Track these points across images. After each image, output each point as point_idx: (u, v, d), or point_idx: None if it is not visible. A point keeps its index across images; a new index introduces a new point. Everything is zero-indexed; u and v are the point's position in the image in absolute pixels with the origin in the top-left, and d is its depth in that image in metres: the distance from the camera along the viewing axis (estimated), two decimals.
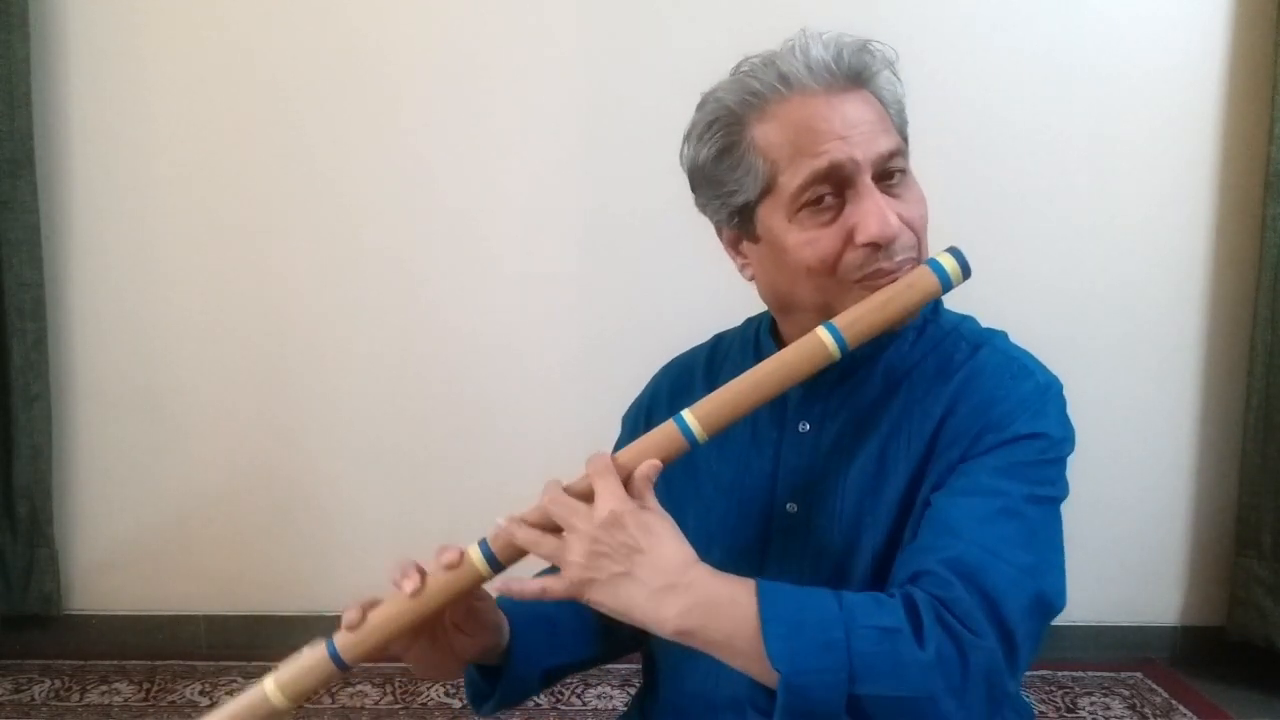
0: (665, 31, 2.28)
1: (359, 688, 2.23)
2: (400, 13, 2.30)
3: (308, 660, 0.83)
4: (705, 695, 0.93)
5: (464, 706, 2.16)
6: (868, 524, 0.87)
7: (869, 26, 0.90)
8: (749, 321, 1.05)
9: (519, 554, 0.81)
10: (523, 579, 0.81)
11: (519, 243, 2.36)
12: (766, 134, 0.84)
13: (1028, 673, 2.25)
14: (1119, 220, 2.31)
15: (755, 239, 0.90)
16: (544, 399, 2.38)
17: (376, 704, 2.17)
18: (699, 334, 1.10)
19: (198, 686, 2.26)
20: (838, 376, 0.91)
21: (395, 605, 0.82)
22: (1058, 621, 0.83)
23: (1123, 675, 2.32)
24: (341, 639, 0.82)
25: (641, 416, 1.04)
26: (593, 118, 2.32)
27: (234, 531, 2.43)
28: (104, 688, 2.25)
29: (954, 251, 0.82)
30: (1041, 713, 2.14)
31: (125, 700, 2.20)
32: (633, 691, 1.53)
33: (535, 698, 2.16)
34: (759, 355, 0.92)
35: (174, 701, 2.19)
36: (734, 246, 0.94)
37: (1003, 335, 0.93)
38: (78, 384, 2.42)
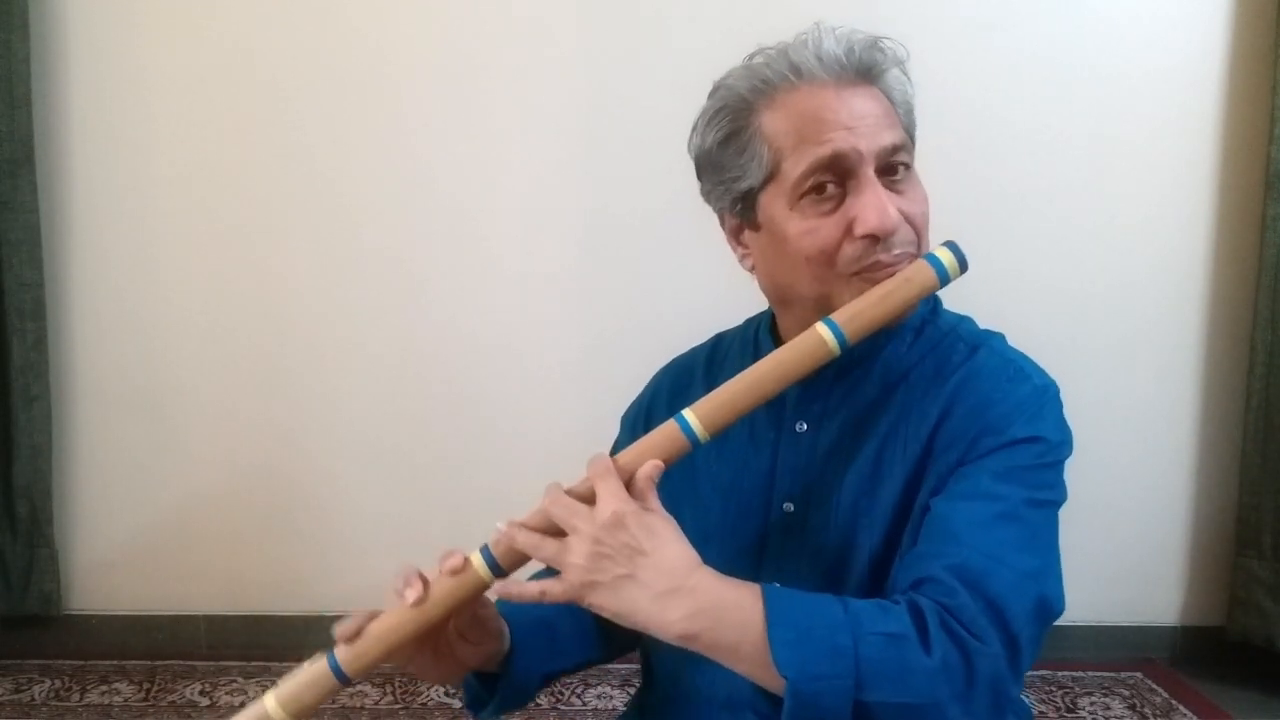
0: (665, 31, 2.28)
1: (359, 688, 2.23)
2: (400, 13, 2.30)
3: (309, 675, 0.81)
4: (704, 694, 0.93)
5: (464, 706, 2.15)
6: (864, 525, 0.87)
7: (869, 26, 0.90)
8: (749, 322, 1.05)
9: (521, 559, 0.80)
10: (521, 582, 0.80)
11: (519, 243, 2.36)
12: (774, 121, 0.85)
13: (1028, 673, 2.26)
14: (1119, 220, 2.31)
15: (756, 227, 0.90)
16: (544, 399, 2.38)
17: (376, 704, 2.17)
18: (699, 334, 1.10)
19: (198, 686, 2.26)
20: (835, 375, 0.91)
21: (397, 615, 0.81)
22: (1058, 622, 0.83)
23: (1123, 675, 2.32)
24: (343, 652, 0.81)
25: (641, 417, 1.04)
26: (593, 118, 2.32)
27: (234, 531, 2.43)
28: (104, 688, 2.25)
29: (951, 245, 0.82)
30: (1041, 713, 2.14)
31: (125, 700, 2.20)
32: (633, 691, 1.53)
33: (536, 699, 2.17)
34: (758, 354, 0.92)
35: (174, 701, 2.19)
36: (736, 236, 0.94)
37: (1000, 337, 0.93)
38: (78, 384, 2.42)
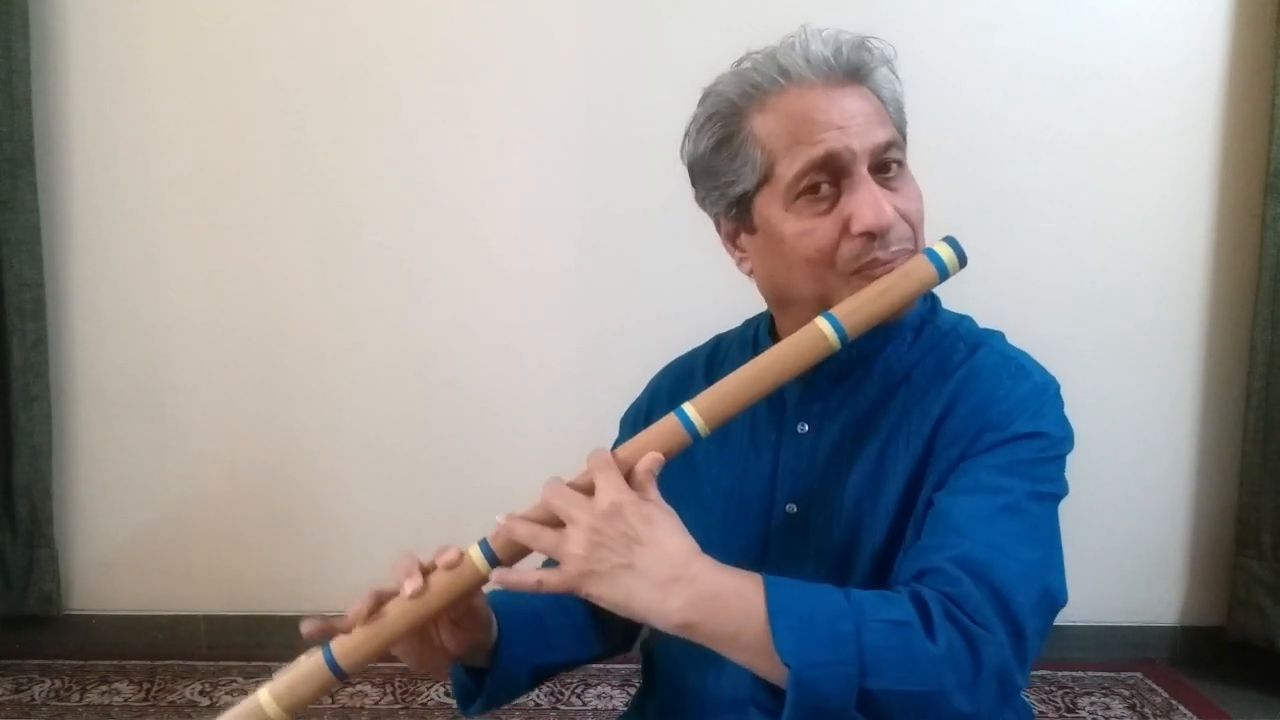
0: (665, 31, 2.28)
1: (359, 688, 2.23)
2: (400, 13, 2.30)
3: (304, 669, 0.80)
4: (706, 695, 0.93)
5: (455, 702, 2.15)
6: (867, 524, 0.87)
7: (869, 26, 0.90)
8: (747, 323, 1.05)
9: (520, 552, 0.80)
10: (519, 570, 0.80)
11: (519, 242, 2.36)
12: (765, 124, 0.86)
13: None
14: (1119, 220, 2.31)
15: (753, 230, 0.90)
16: (544, 398, 2.38)
17: (376, 704, 2.17)
18: (699, 334, 1.10)
19: (198, 686, 2.26)
20: (836, 376, 0.91)
21: (394, 609, 0.80)
22: (1058, 621, 0.83)
23: (1123, 675, 2.32)
24: (339, 645, 0.80)
25: (640, 419, 1.04)
26: (593, 118, 2.32)
27: (234, 531, 2.43)
28: (104, 688, 2.25)
29: (950, 241, 0.82)
30: (1041, 713, 2.14)
31: (125, 700, 2.20)
32: (633, 691, 1.53)
33: (535, 698, 2.17)
34: (757, 355, 0.92)
35: (174, 701, 2.19)
36: (732, 240, 0.95)
37: (1000, 336, 0.94)
38: (78, 384, 2.42)
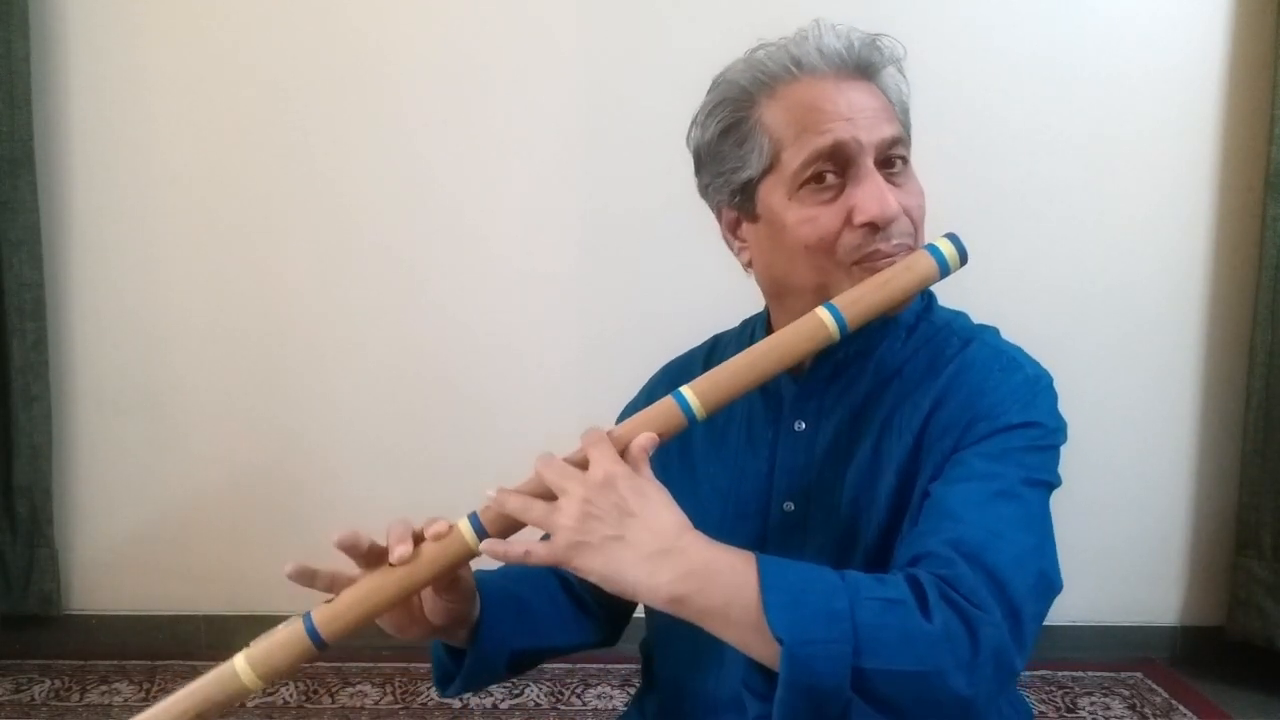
0: (665, 31, 2.28)
1: (359, 688, 2.23)
2: (400, 13, 2.30)
3: (282, 636, 0.78)
4: (705, 695, 0.93)
5: (464, 707, 2.16)
6: (864, 519, 0.87)
7: (869, 26, 0.90)
8: (745, 323, 1.06)
9: (510, 526, 0.79)
10: (508, 541, 0.79)
11: (519, 242, 2.36)
12: (774, 112, 0.86)
13: (1028, 673, 2.26)
14: (1119, 220, 2.31)
15: (755, 218, 0.91)
16: (544, 398, 2.38)
17: (376, 704, 2.17)
18: (699, 334, 1.10)
19: None
20: (831, 374, 0.92)
21: (378, 578, 0.79)
22: (1058, 622, 0.83)
23: (1123, 675, 2.32)
24: (320, 614, 0.79)
25: None
26: (593, 118, 2.32)
27: (234, 531, 2.43)
28: (104, 688, 2.25)
29: (952, 237, 0.83)
30: (1041, 713, 2.14)
31: (125, 700, 2.20)
32: (633, 691, 1.53)
33: (535, 698, 2.17)
34: None
35: None
36: (733, 230, 0.95)
37: (993, 330, 0.94)
38: (78, 384, 2.42)
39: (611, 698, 2.19)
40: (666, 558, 0.73)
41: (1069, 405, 0.89)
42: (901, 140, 0.87)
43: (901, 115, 0.90)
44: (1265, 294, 2.21)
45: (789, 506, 0.92)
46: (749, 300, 1.01)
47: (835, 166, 0.85)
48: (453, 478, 2.38)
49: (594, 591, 1.00)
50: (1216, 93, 2.27)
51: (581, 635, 1.04)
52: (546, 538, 0.79)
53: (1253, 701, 2.20)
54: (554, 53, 2.31)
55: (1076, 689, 2.25)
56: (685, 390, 0.81)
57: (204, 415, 2.41)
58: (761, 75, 0.87)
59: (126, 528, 2.45)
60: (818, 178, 0.85)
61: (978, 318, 0.96)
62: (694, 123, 0.93)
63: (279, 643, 0.78)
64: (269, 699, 2.18)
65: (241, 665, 0.77)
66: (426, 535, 0.80)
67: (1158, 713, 2.15)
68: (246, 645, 0.79)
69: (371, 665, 2.30)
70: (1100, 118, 2.28)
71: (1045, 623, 0.81)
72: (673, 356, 1.10)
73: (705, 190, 0.95)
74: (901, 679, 0.68)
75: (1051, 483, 0.84)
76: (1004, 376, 0.86)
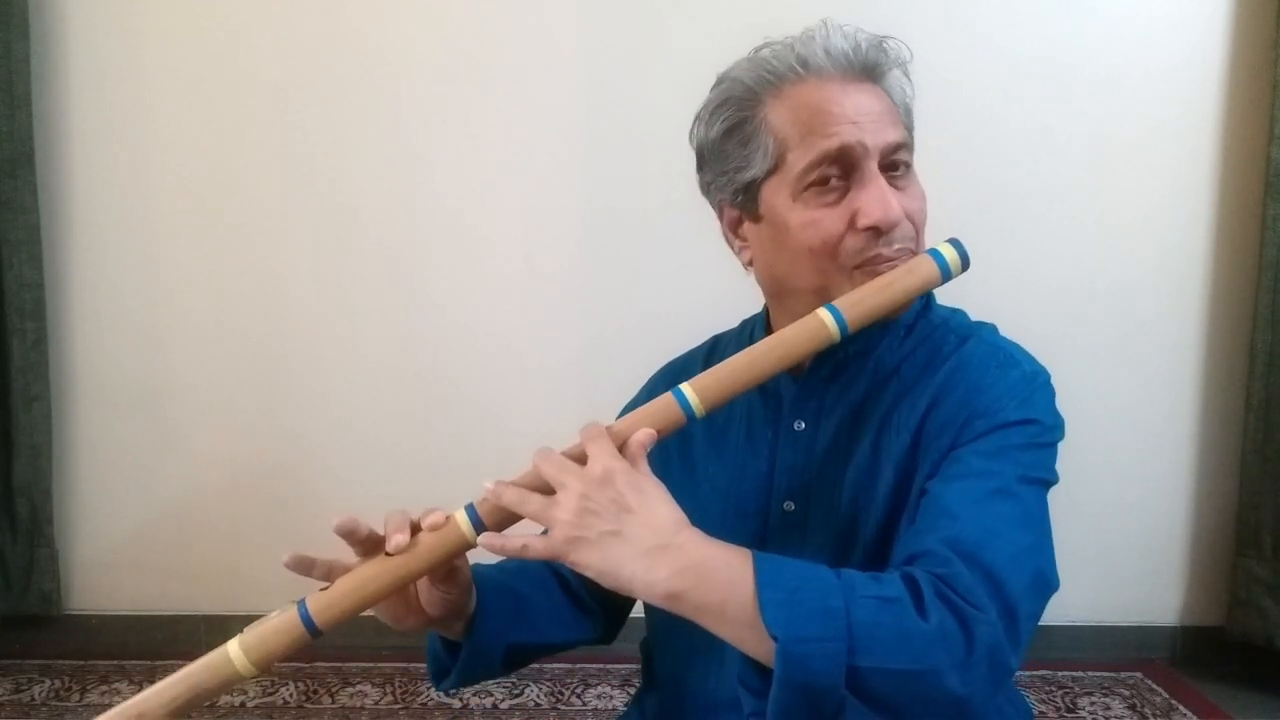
0: (665, 31, 2.28)
1: (359, 688, 2.23)
2: (400, 13, 2.30)
3: (277, 622, 0.79)
4: (705, 695, 0.93)
5: (464, 707, 2.16)
6: (863, 518, 0.87)
7: (869, 26, 0.90)
8: (745, 323, 1.06)
9: (507, 519, 0.79)
10: (505, 534, 0.79)
11: (519, 242, 2.36)
12: (779, 113, 0.86)
13: (1028, 673, 2.26)
14: (1119, 220, 2.31)
15: (757, 218, 0.91)
16: (544, 398, 2.38)
17: (376, 704, 2.17)
18: (699, 333, 1.10)
19: None
20: (830, 374, 0.92)
21: (374, 567, 0.79)
22: (1058, 622, 0.83)
23: (1123, 675, 2.32)
24: (315, 601, 0.79)
25: None
26: (593, 118, 2.32)
27: (234, 531, 2.43)
28: (104, 688, 2.25)
29: (954, 242, 0.83)
30: (1041, 713, 2.14)
31: (125, 700, 2.19)
32: (633, 691, 1.53)
33: (535, 698, 2.17)
34: None
35: None
36: (734, 230, 0.95)
37: (991, 328, 0.94)
38: (78, 384, 2.42)
39: (611, 698, 2.19)
40: (663, 554, 0.74)
41: (1069, 405, 0.89)
42: (905, 145, 0.87)
43: (906, 118, 0.90)
44: (1265, 294, 2.21)
45: (789, 506, 0.92)
46: (749, 300, 1.01)
47: (840, 170, 0.85)
48: (452, 477, 2.37)
49: (592, 588, 1.00)
50: (1216, 93, 2.27)
51: (579, 632, 1.04)
52: (545, 532, 0.79)
53: (1253, 701, 2.20)
54: (554, 53, 2.31)
55: (1076, 689, 2.25)
56: (685, 387, 0.81)
57: (204, 415, 2.41)
58: (767, 74, 0.87)
59: (126, 528, 2.45)
60: (822, 180, 0.85)
61: (978, 317, 0.96)
62: (697, 120, 0.93)
63: (273, 628, 0.79)
64: (269, 699, 2.18)
65: (235, 651, 0.77)
66: (423, 525, 0.80)
67: (1158, 713, 2.15)
68: (241, 631, 0.79)
69: (371, 665, 2.30)
70: (1100, 118, 2.28)
71: (1045, 622, 0.81)
72: (672, 356, 1.10)
73: (707, 188, 0.95)
74: (896, 677, 0.68)
75: (1049, 480, 0.84)
76: (1001, 373, 0.86)
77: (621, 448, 0.78)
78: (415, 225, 2.36)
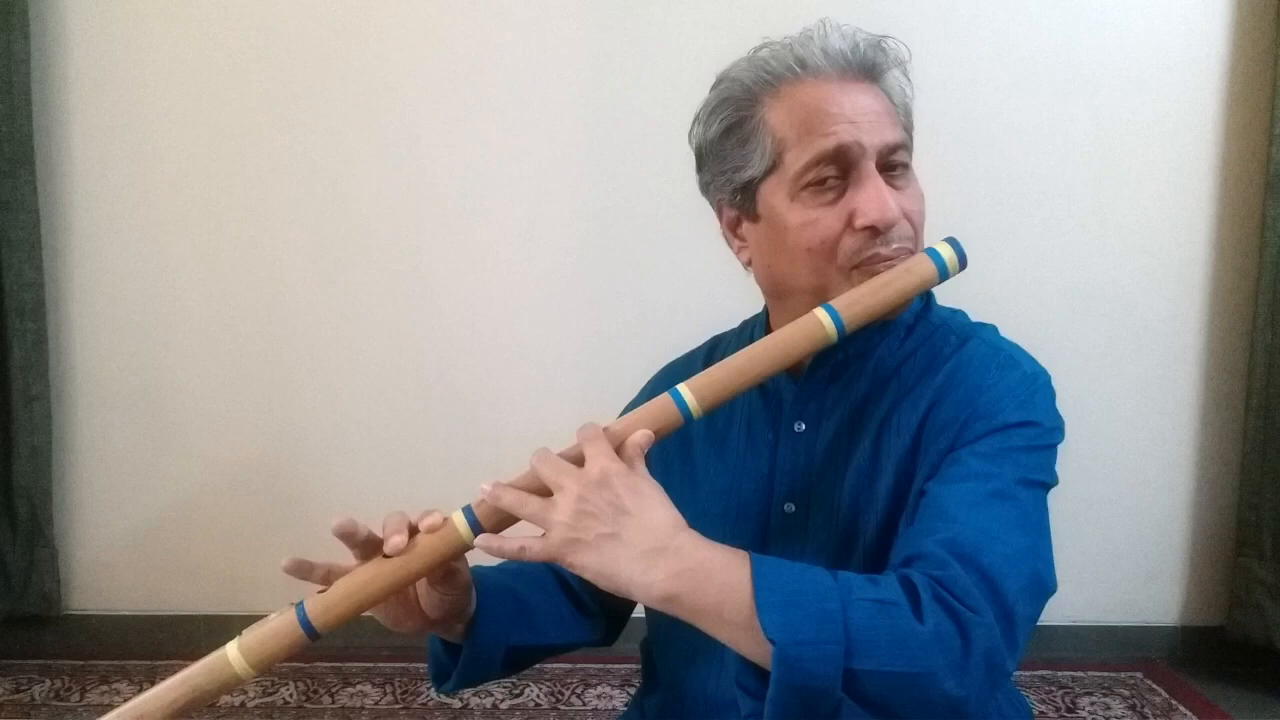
0: (665, 31, 2.28)
1: (359, 688, 2.23)
2: (401, 13, 2.30)
3: (275, 625, 0.79)
4: (705, 695, 0.93)
5: (464, 707, 2.16)
6: (864, 520, 0.87)
7: (869, 26, 0.90)
8: (745, 323, 1.06)
9: (504, 521, 0.79)
10: (502, 536, 0.79)
11: (519, 242, 2.36)
12: (778, 113, 0.86)
13: (1028, 673, 2.26)
14: (1119, 220, 2.31)
15: (755, 218, 0.91)
16: (544, 397, 2.38)
17: (376, 704, 2.17)
18: (699, 333, 1.10)
19: None
20: (830, 375, 0.92)
21: (371, 569, 0.79)
22: (1058, 622, 0.83)
23: (1123, 675, 2.32)
24: (313, 603, 0.79)
25: None
26: (593, 118, 2.32)
27: (234, 531, 2.43)
28: (104, 688, 2.25)
29: (952, 241, 0.83)
30: (1041, 713, 2.14)
31: (125, 700, 2.19)
32: (633, 691, 1.53)
33: (535, 698, 2.17)
34: None
35: None
36: (733, 229, 0.95)
37: (991, 328, 0.94)
38: (78, 384, 2.42)
39: (611, 698, 2.19)
40: (660, 556, 0.73)
41: (1069, 405, 0.89)
42: (904, 145, 0.87)
43: (905, 119, 0.90)
44: (1265, 294, 2.21)
45: (790, 508, 0.92)
46: (749, 300, 1.01)
47: (838, 169, 0.85)
48: (452, 476, 2.39)
49: (592, 590, 1.00)
50: (1216, 93, 2.27)
51: (579, 634, 1.04)
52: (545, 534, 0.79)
53: (1253, 701, 2.20)
54: (554, 53, 2.31)
55: (1076, 689, 2.25)
56: (682, 388, 0.81)
57: (204, 415, 2.41)
58: (765, 74, 0.87)
59: (126, 528, 2.45)
60: (820, 180, 0.85)
61: (978, 317, 0.96)
62: (696, 120, 0.93)
63: (272, 631, 0.79)
64: (269, 699, 2.18)
65: (234, 653, 0.78)
66: (421, 527, 0.80)
67: (1158, 713, 2.15)
68: (239, 634, 0.79)
69: (371, 665, 2.30)
70: (1100, 118, 2.28)
71: (1045, 622, 0.81)
72: (673, 356, 1.10)
73: (706, 188, 0.95)
74: (892, 680, 0.69)
75: (1048, 482, 0.84)
76: (1001, 374, 0.86)
77: (619, 449, 0.78)
78: (415, 225, 2.36)
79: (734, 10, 2.21)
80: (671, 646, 0.98)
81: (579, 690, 2.22)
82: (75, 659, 2.38)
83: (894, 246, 0.85)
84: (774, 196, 0.88)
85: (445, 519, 0.80)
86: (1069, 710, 2.16)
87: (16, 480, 2.35)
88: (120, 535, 2.45)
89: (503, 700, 2.18)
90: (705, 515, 0.95)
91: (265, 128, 2.34)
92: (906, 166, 0.89)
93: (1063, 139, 2.29)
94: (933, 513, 0.79)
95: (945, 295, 0.97)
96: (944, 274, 0.82)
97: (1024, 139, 2.29)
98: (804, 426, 0.93)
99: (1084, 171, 2.30)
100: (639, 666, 1.07)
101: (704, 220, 0.99)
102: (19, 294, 2.30)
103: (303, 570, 0.82)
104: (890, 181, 0.86)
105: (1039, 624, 0.79)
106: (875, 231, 0.84)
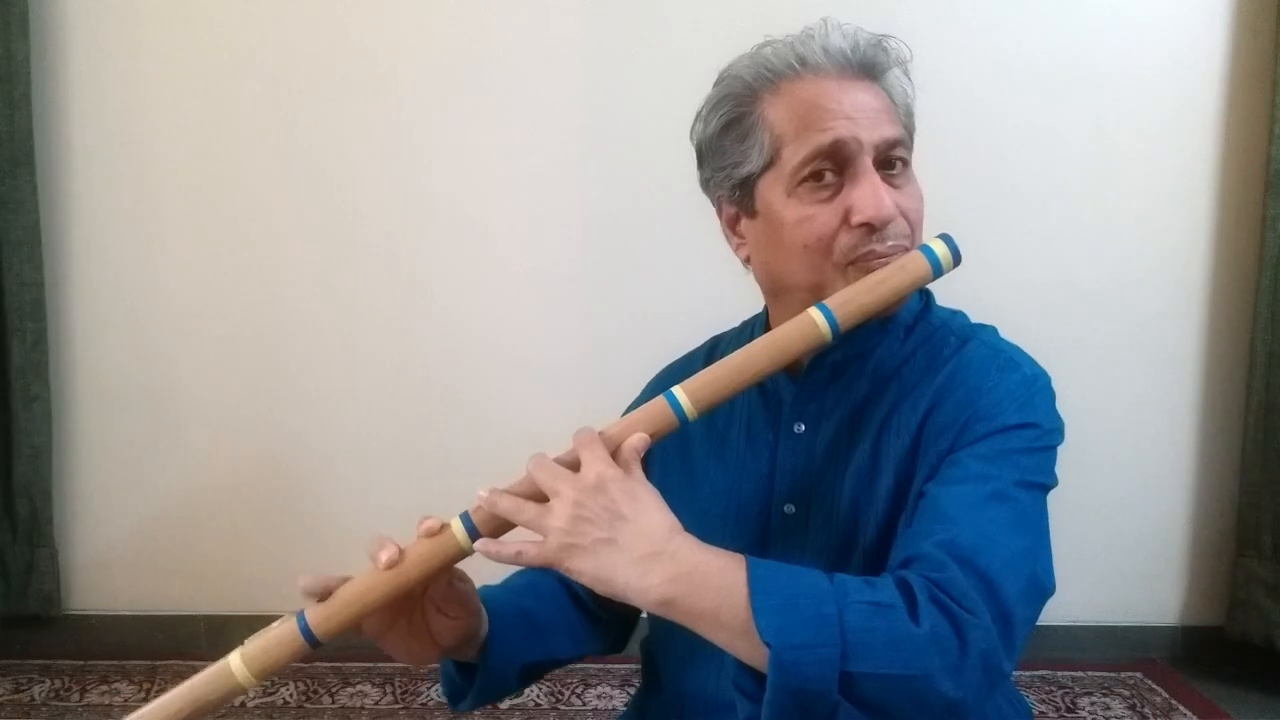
0: (666, 31, 2.28)
1: (359, 688, 2.23)
2: (401, 12, 2.30)
3: (277, 634, 0.79)
4: (705, 695, 0.93)
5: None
6: (863, 521, 0.87)
7: (870, 25, 0.90)
8: (745, 323, 1.06)
9: (502, 527, 0.79)
10: (500, 540, 0.79)
11: (519, 242, 2.36)
12: (776, 109, 0.87)
13: (1028, 673, 2.26)
14: (1119, 219, 2.31)
15: (754, 215, 0.91)
16: (545, 398, 2.37)
17: (376, 704, 2.17)
18: (699, 333, 1.10)
19: None
20: (830, 376, 0.92)
21: (371, 578, 0.79)
22: (1058, 621, 0.83)
23: (1123, 675, 2.32)
24: (313, 613, 0.79)
25: None
26: (593, 117, 2.32)
27: (234, 531, 2.43)
28: (104, 688, 2.25)
29: (945, 238, 0.83)
30: (1041, 713, 2.14)
31: (125, 700, 2.20)
32: (633, 691, 1.53)
33: (535, 698, 2.17)
34: None
35: None
36: (732, 226, 0.95)
37: (991, 329, 0.94)
38: (78, 384, 2.42)
39: (611, 698, 2.19)
40: (657, 560, 0.73)
41: (1068, 405, 0.89)
42: (902, 142, 0.87)
43: (905, 118, 0.90)
44: (1265, 294, 2.21)
45: (790, 509, 0.92)
46: (749, 300, 1.01)
47: (834, 165, 0.85)
48: (452, 477, 2.37)
49: (600, 599, 1.00)
50: (1216, 93, 2.27)
51: (590, 643, 1.04)
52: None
53: (1253, 701, 2.20)
54: (554, 53, 2.31)
55: (1076, 689, 2.25)
56: (677, 390, 0.80)
57: (204, 415, 2.41)
58: (766, 71, 0.87)
59: (126, 528, 2.45)
60: (816, 175, 0.85)
61: (977, 318, 0.96)
62: (698, 117, 0.93)
63: (274, 640, 0.79)
64: (269, 699, 2.18)
65: (236, 663, 0.78)
66: (419, 531, 0.80)
67: (1158, 713, 2.15)
68: (241, 643, 0.80)
69: (371, 665, 2.30)
70: (1100, 117, 2.28)
71: (1045, 622, 0.81)
72: (673, 357, 1.10)
73: (706, 184, 0.95)
74: (890, 683, 0.69)
75: (1047, 484, 0.84)
76: (1001, 376, 0.86)
77: (615, 453, 0.78)
78: (416, 225, 2.36)
79: (735, 10, 2.21)
80: (672, 646, 0.98)
81: (579, 690, 2.22)
82: (75, 659, 2.38)
83: (890, 243, 0.85)
84: (771, 192, 0.88)
85: (443, 524, 0.80)
86: (1069, 710, 2.16)
87: (16, 480, 2.35)
88: (120, 535, 2.45)
89: (503, 700, 2.18)
90: (705, 515, 0.95)
91: (265, 128, 2.34)
92: (905, 164, 0.89)
93: (1063, 138, 2.29)
94: (931, 514, 0.79)
95: (944, 295, 0.97)
96: (938, 270, 0.82)
97: (1024, 138, 2.29)
98: (803, 427, 0.92)
99: (1084, 171, 2.30)
100: (639, 666, 1.07)
101: (704, 220, 0.99)
102: (19, 294, 2.30)
103: (319, 589, 0.81)
104: (888, 179, 0.86)
105: (1039, 624, 0.79)
106: (871, 228, 0.84)
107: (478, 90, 2.31)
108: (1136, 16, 2.26)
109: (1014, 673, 0.77)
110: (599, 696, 2.20)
